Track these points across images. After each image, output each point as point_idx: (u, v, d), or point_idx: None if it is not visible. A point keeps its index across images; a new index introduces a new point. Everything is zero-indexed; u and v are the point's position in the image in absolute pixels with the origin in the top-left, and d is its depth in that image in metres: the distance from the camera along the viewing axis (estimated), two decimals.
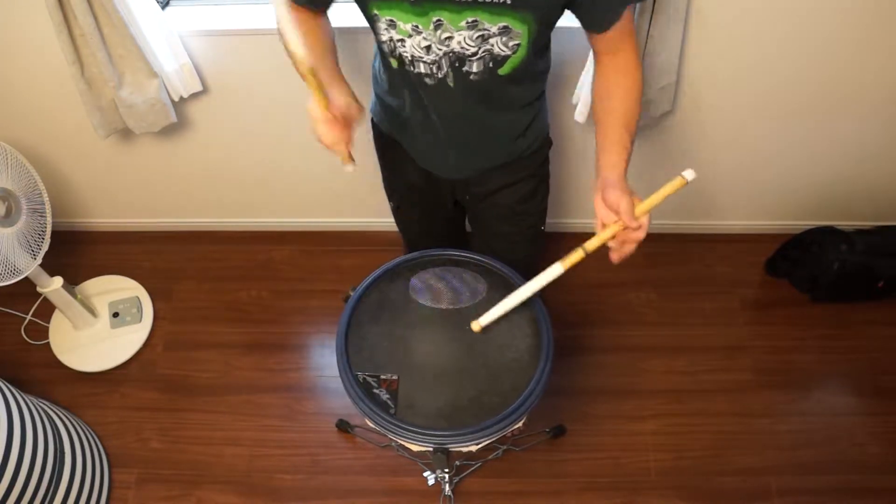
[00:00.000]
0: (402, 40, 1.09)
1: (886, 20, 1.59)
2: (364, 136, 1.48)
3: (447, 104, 1.20)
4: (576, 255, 1.08)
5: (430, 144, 1.33)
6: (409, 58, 1.12)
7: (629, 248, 1.05)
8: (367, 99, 1.46)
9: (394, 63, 1.16)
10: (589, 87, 1.67)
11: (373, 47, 1.28)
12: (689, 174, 1.01)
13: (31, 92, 1.86)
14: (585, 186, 2.16)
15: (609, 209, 1.05)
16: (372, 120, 1.44)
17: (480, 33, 1.05)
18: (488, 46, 1.08)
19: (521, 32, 1.05)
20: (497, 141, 1.32)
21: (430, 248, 1.34)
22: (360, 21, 1.61)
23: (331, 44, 1.20)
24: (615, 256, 1.07)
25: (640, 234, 1.04)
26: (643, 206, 1.03)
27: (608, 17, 1.09)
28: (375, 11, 1.06)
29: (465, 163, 1.36)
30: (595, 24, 1.11)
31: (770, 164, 2.03)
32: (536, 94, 1.29)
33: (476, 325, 1.21)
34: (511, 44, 1.07)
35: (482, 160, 1.36)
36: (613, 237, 1.05)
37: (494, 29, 1.05)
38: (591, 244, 1.06)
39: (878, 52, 1.66)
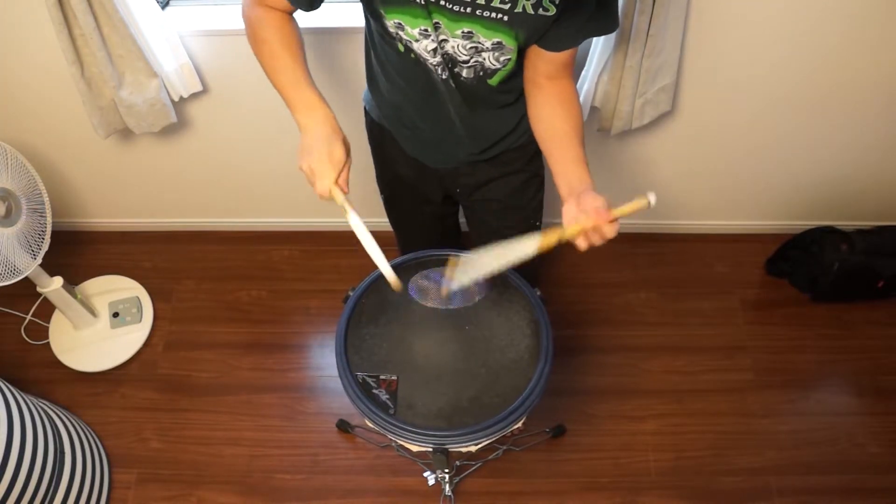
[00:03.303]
0: (408, 42, 1.10)
1: (887, 21, 1.59)
2: (363, 135, 1.48)
3: (444, 101, 1.22)
4: (553, 237, 1.08)
5: (422, 136, 1.35)
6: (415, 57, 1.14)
7: (598, 239, 1.07)
8: (359, 98, 1.46)
9: (399, 48, 1.15)
10: (587, 89, 1.68)
11: (365, 40, 1.28)
12: (651, 197, 1.04)
13: (31, 92, 1.86)
14: None
15: (586, 212, 1.06)
16: (364, 108, 1.45)
17: (474, 45, 1.08)
18: (480, 59, 1.11)
19: (512, 49, 1.09)
20: (486, 136, 1.34)
21: (425, 249, 1.34)
22: (347, 22, 1.62)
23: (302, 44, 1.19)
24: (584, 244, 1.08)
25: (613, 229, 1.05)
26: (617, 211, 1.05)
27: (570, 40, 1.11)
28: (383, 12, 1.07)
29: (455, 154, 1.38)
30: (554, 43, 1.11)
31: (770, 164, 2.03)
32: (521, 91, 1.30)
33: (444, 290, 1.23)
34: (503, 59, 1.11)
35: (472, 153, 1.37)
36: (592, 227, 1.06)
37: (488, 44, 1.07)
38: (571, 231, 1.06)
39: (879, 52, 1.66)
